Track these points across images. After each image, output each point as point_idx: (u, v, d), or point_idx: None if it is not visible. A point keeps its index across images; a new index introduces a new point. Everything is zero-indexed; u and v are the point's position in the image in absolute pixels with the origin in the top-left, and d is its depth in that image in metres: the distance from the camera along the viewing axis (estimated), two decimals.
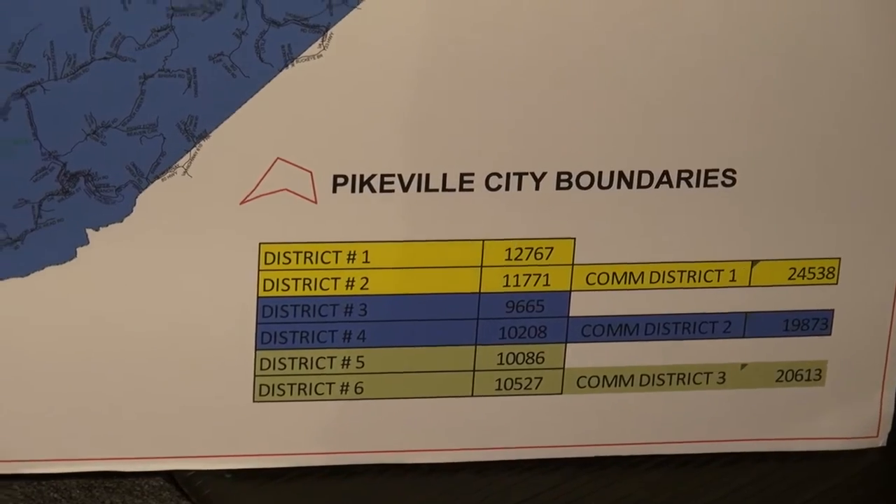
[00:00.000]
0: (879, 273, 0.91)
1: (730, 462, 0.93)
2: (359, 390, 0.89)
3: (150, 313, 0.85)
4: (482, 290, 0.88)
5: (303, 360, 0.88)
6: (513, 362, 0.90)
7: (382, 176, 0.83)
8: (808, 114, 0.86)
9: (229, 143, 0.80)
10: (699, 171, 0.87)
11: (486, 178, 0.84)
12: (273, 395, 0.89)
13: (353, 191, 0.83)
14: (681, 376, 0.92)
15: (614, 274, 0.89)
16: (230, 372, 0.87)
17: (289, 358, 0.88)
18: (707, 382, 0.92)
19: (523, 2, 0.80)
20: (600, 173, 0.85)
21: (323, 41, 0.79)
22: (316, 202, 0.83)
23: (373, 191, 0.83)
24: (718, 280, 0.90)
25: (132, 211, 0.81)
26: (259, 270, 0.85)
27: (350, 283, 0.86)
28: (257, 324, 0.86)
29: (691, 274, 0.89)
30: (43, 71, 0.77)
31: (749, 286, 0.90)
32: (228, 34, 0.78)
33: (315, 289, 0.86)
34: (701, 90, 0.84)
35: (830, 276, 0.90)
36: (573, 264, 0.88)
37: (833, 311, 0.92)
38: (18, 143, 0.78)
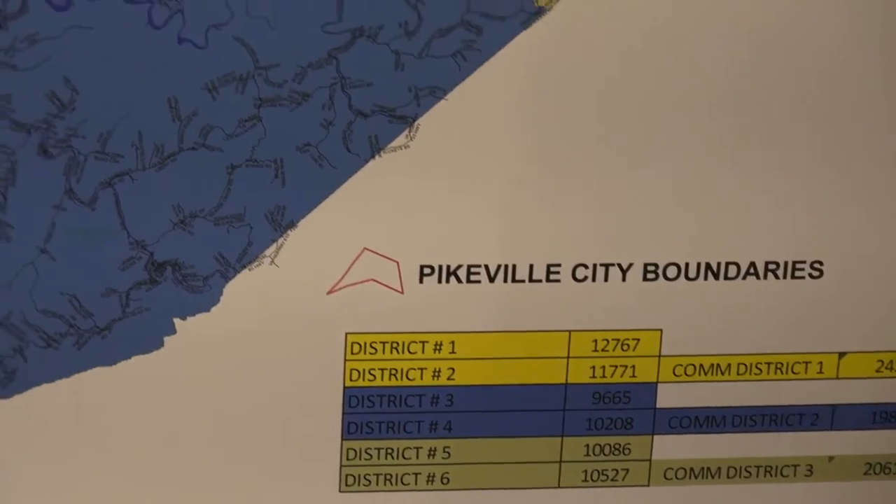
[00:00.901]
0: None
1: None
2: (445, 481, 0.84)
3: (237, 403, 0.80)
4: (569, 381, 0.82)
5: (389, 451, 0.83)
6: (599, 454, 0.84)
7: (469, 266, 0.78)
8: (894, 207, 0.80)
9: (316, 232, 0.76)
10: (786, 263, 0.81)
11: (573, 269, 0.79)
12: (359, 485, 0.83)
13: (439, 281, 0.79)
14: (768, 469, 0.86)
15: (701, 366, 0.83)
16: (316, 462, 0.82)
17: (375, 448, 0.83)
18: (795, 475, 0.86)
19: (609, 94, 0.76)
20: (687, 265, 0.80)
21: (410, 132, 0.75)
22: (402, 292, 0.78)
23: (459, 281, 0.79)
24: (806, 372, 0.84)
25: (219, 300, 0.77)
26: (345, 360, 0.80)
27: (436, 374, 0.81)
28: (343, 414, 0.81)
29: (778, 366, 0.84)
30: (131, 160, 0.73)
31: (837, 378, 0.84)
32: (316, 125, 0.74)
33: (401, 379, 0.81)
34: (788, 183, 0.79)
35: None
36: (660, 356, 0.82)
37: None
38: (106, 233, 0.74)
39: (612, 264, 0.80)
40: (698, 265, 0.80)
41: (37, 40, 0.71)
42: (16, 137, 0.72)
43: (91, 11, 0.71)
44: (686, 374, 0.83)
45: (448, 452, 0.84)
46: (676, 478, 0.86)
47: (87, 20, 0.71)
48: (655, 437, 0.85)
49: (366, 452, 0.83)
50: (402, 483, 0.84)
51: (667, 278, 0.81)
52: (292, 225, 0.76)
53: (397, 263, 0.78)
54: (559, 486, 0.85)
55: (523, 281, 0.79)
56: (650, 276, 0.80)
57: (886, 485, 0.87)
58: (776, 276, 0.81)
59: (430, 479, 0.84)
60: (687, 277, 0.81)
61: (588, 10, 0.75)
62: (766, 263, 0.81)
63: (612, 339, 0.82)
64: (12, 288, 0.75)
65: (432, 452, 0.83)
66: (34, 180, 0.73)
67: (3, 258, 0.74)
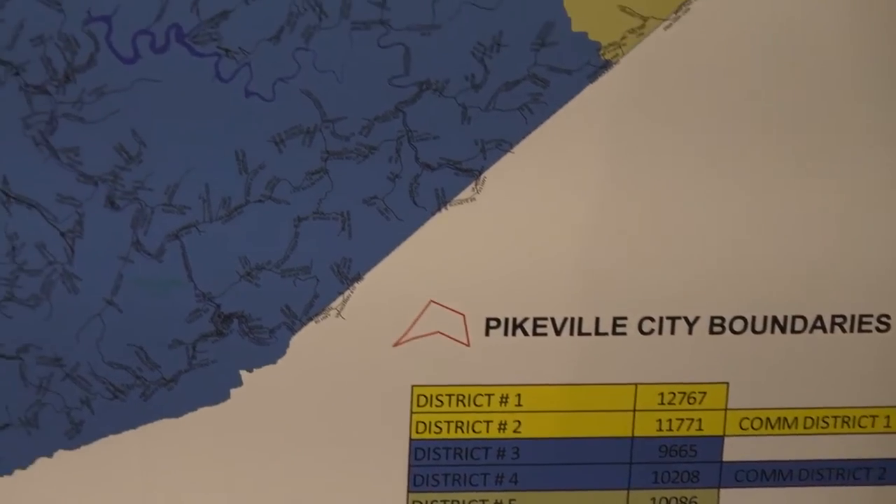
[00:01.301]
0: None
1: None
2: None
3: (302, 455, 0.76)
4: (635, 435, 0.78)
5: (455, 503, 0.78)
6: None
7: (535, 319, 0.75)
8: None
9: (383, 285, 0.73)
10: (853, 317, 0.77)
11: (640, 322, 0.75)
12: None
13: (505, 334, 0.75)
14: None
15: (767, 419, 0.79)
16: None
17: (441, 500, 0.79)
18: None
19: (674, 147, 0.72)
20: (753, 318, 0.76)
21: (476, 185, 0.71)
22: (468, 345, 0.75)
23: (525, 334, 0.75)
24: (873, 426, 0.79)
25: (285, 352, 0.73)
26: (411, 413, 0.76)
27: (502, 427, 0.77)
28: (410, 466, 0.77)
29: (845, 419, 0.79)
30: (198, 213, 0.70)
31: None
32: (382, 177, 0.71)
33: (467, 432, 0.77)
34: (855, 236, 0.75)
35: None
36: (726, 409, 0.78)
37: None
38: (173, 285, 0.71)
39: (679, 317, 0.76)
40: (765, 318, 0.76)
41: (105, 93, 0.68)
42: (83, 189, 0.69)
43: (158, 64, 0.68)
44: (752, 427, 0.79)
45: None
46: None
47: (154, 73, 0.68)
48: (722, 490, 0.80)
49: None
50: None
51: (733, 331, 0.76)
52: (358, 277, 0.72)
53: (463, 316, 0.74)
54: None
55: (590, 334, 0.76)
56: (716, 329, 0.76)
57: None
58: (843, 330, 0.77)
59: None
60: (753, 331, 0.76)
61: (654, 64, 0.71)
62: (833, 317, 0.77)
63: (679, 393, 0.78)
64: (79, 340, 0.72)
65: None
66: (101, 232, 0.70)
67: (71, 310, 0.71)
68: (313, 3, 0.68)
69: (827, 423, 0.79)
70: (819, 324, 0.77)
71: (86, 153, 0.69)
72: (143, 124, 0.69)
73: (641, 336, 0.76)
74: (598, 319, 0.75)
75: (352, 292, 0.72)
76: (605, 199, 0.73)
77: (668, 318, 0.76)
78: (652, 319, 0.76)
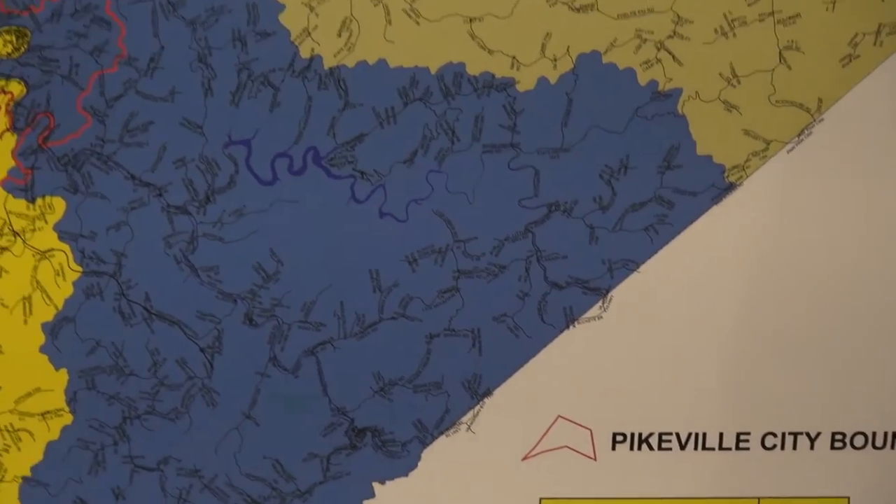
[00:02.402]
0: None
1: None
2: None
3: None
4: None
5: None
6: None
7: (660, 434, 0.66)
8: None
9: (512, 400, 0.65)
10: None
11: (762, 438, 0.67)
12: None
13: (631, 448, 0.66)
14: None
15: None
16: None
17: None
18: None
19: (800, 278, 0.65)
20: (874, 433, 0.67)
21: (603, 303, 0.64)
22: (595, 459, 0.66)
23: (651, 448, 0.66)
24: None
25: (417, 465, 0.66)
26: None
27: None
28: None
29: None
30: (333, 329, 0.64)
31: None
32: (512, 296, 0.64)
33: None
34: None
35: None
36: None
37: None
38: (309, 399, 0.64)
39: (801, 433, 0.67)
40: (885, 434, 0.67)
41: (244, 213, 0.62)
42: (223, 307, 0.63)
43: (296, 185, 0.62)
44: None
45: None
46: None
47: (291, 194, 0.62)
48: None
49: None
50: None
51: (854, 447, 0.67)
52: (488, 392, 0.65)
53: (590, 431, 0.66)
54: None
55: (714, 448, 0.67)
56: (837, 444, 0.67)
57: None
58: None
59: None
60: (874, 446, 0.67)
61: (777, 186, 0.64)
62: None
63: None
64: (218, 452, 0.65)
65: None
66: (240, 348, 0.64)
67: (210, 423, 0.65)
68: (446, 128, 0.61)
69: None
70: None
71: (225, 272, 0.63)
72: (280, 244, 0.63)
73: (764, 451, 0.67)
74: (721, 434, 0.67)
75: (482, 407, 0.65)
76: (729, 321, 0.65)
77: (790, 433, 0.67)
78: (774, 435, 0.67)
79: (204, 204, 0.61)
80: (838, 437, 0.67)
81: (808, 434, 0.67)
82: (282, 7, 0.61)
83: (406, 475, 0.66)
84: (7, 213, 0.61)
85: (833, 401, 0.66)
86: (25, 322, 0.62)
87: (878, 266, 0.64)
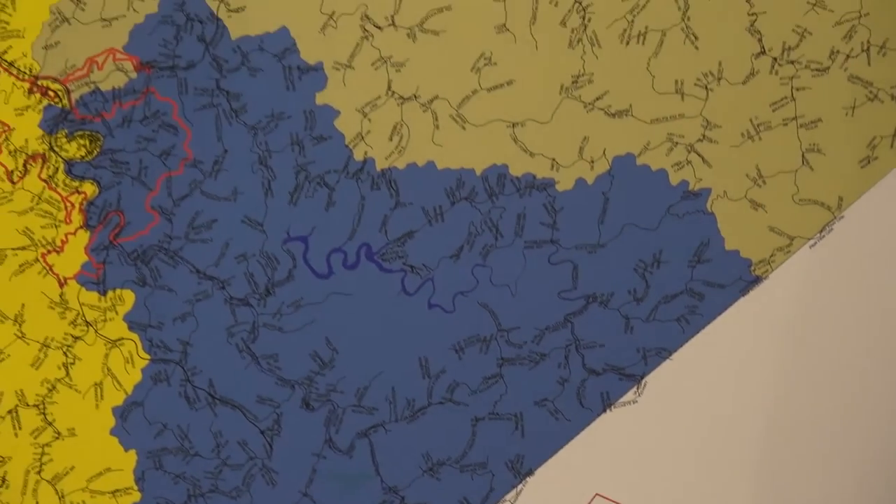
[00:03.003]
0: None
1: None
2: None
3: None
4: None
5: None
6: None
7: None
8: None
9: (552, 479, 0.61)
10: None
11: None
12: None
13: None
14: None
15: None
16: None
17: None
18: None
19: (826, 359, 0.61)
20: None
21: (638, 388, 0.61)
22: None
23: None
24: None
25: None
26: None
27: None
28: None
29: None
30: (385, 413, 0.60)
31: None
32: (552, 382, 0.61)
33: None
34: None
35: None
36: None
37: None
38: (362, 479, 0.61)
39: None
40: None
41: (301, 305, 0.60)
42: (281, 392, 0.60)
43: (350, 279, 0.59)
44: None
45: None
46: None
47: (346, 287, 0.60)
48: None
49: None
50: None
51: None
52: (530, 472, 0.62)
53: None
54: None
55: None
56: None
57: None
58: None
59: None
60: None
61: (801, 279, 0.60)
62: None
63: None
64: None
65: None
66: (297, 430, 0.61)
67: (269, 501, 0.61)
68: (490, 225, 0.59)
69: None
70: None
71: (284, 359, 0.60)
72: (335, 333, 0.60)
73: None
74: None
75: (524, 486, 0.61)
76: (754, 405, 0.61)
77: None
78: None
79: (264, 296, 0.59)
80: None
81: None
82: (337, 113, 0.59)
83: None
84: (80, 304, 0.59)
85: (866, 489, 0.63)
86: (97, 406, 0.60)
87: None
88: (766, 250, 0.59)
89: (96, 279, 0.59)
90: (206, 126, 0.58)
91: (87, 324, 0.59)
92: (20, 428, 0.60)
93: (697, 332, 0.60)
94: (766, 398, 0.60)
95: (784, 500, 0.61)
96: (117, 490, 0.60)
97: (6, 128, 0.57)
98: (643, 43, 0.58)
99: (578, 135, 0.58)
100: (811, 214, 0.59)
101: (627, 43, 0.58)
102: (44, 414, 0.59)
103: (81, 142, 0.58)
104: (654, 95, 0.58)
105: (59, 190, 0.58)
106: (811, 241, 0.59)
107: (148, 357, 0.60)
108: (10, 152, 0.58)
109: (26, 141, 0.58)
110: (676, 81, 0.58)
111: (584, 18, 0.58)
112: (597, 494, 0.61)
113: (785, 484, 0.61)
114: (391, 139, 0.58)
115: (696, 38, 0.58)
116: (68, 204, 0.58)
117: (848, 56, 0.58)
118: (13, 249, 0.58)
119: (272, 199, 0.58)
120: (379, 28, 0.58)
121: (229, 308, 0.59)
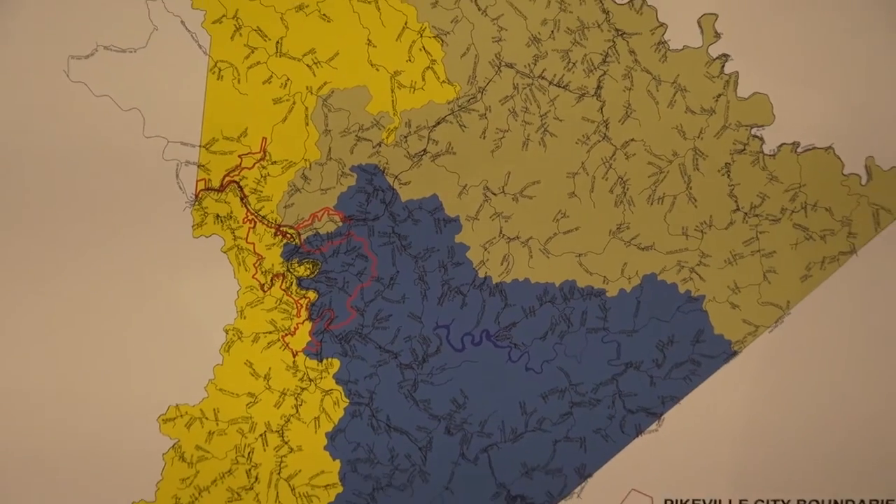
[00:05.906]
0: None
1: None
2: None
3: None
4: None
5: None
6: None
7: (704, 500, 0.81)
8: None
9: (604, 480, 0.81)
10: None
11: None
12: None
13: None
14: None
15: None
16: None
17: None
18: None
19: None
20: None
21: (659, 422, 0.81)
22: None
23: None
24: None
25: None
26: None
27: None
28: None
29: None
30: (497, 437, 0.81)
31: None
32: (604, 417, 0.81)
33: None
34: None
35: None
36: None
37: None
38: (482, 479, 0.81)
39: None
40: None
41: (445, 369, 0.80)
42: (432, 423, 0.81)
43: (475, 352, 0.79)
44: None
45: None
46: None
47: (474, 357, 0.80)
48: None
49: None
50: None
51: None
52: (590, 475, 0.82)
53: (651, 498, 0.82)
54: None
55: None
56: None
57: None
58: None
59: None
60: None
61: (764, 353, 0.79)
62: None
63: None
64: None
65: None
66: (442, 447, 0.80)
67: (424, 492, 0.81)
68: (564, 318, 0.80)
69: None
70: None
71: (433, 403, 0.80)
72: (466, 386, 0.80)
73: None
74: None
75: (586, 483, 0.81)
76: (736, 435, 0.80)
77: None
78: None
79: (421, 363, 0.80)
80: None
81: None
82: (468, 248, 0.78)
83: None
84: (306, 367, 0.80)
85: None
86: (315, 432, 0.80)
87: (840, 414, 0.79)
88: (740, 334, 0.80)
89: (316, 352, 0.79)
90: (385, 256, 0.77)
91: (310, 380, 0.79)
92: (267, 445, 0.80)
93: (697, 386, 0.81)
94: (741, 432, 0.80)
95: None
96: (328, 485, 0.80)
97: (260, 257, 0.79)
98: (661, 203, 0.79)
99: (620, 261, 0.78)
100: (769, 311, 0.79)
101: (652, 204, 0.79)
102: (282, 436, 0.80)
103: (307, 266, 0.78)
104: (668, 236, 0.78)
105: (293, 296, 0.79)
106: (770, 328, 0.80)
107: (348, 401, 0.79)
108: (262, 272, 0.80)
109: (272, 265, 0.79)
110: (683, 227, 0.78)
111: (624, 188, 0.79)
112: (632, 490, 0.82)
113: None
114: (502, 264, 0.78)
115: (695, 200, 0.79)
116: (299, 305, 0.79)
117: (793, 211, 0.78)
118: (264, 333, 0.80)
119: (427, 302, 0.78)
120: (494, 194, 0.79)
121: (399, 370, 0.79)
